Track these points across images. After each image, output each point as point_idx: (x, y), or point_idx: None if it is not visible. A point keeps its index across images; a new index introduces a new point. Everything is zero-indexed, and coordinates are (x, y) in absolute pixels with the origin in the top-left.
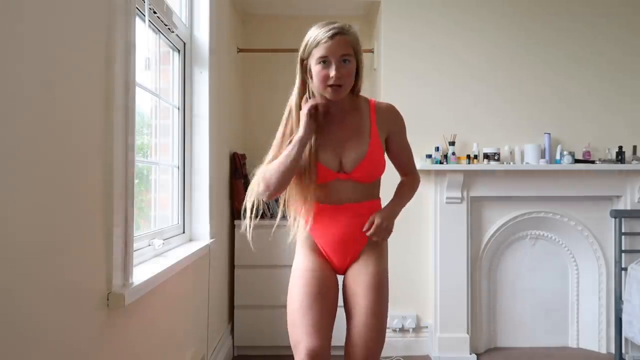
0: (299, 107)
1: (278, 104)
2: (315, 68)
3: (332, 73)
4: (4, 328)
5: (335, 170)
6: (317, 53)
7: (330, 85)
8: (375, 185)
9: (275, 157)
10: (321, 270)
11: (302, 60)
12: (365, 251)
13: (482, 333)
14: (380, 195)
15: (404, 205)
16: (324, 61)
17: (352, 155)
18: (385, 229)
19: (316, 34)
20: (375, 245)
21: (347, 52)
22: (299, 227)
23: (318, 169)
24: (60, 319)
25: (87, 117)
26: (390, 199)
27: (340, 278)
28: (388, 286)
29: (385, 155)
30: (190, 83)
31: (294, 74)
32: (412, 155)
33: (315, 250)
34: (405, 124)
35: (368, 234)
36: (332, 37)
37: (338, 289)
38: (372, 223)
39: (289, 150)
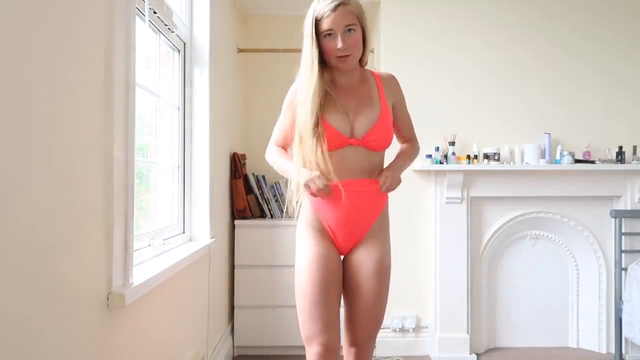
0: (320, 60)
1: (278, 104)
2: (322, 42)
3: (339, 45)
4: (3, 328)
5: (348, 135)
6: (322, 27)
7: (339, 57)
8: (382, 162)
9: (277, 141)
10: (328, 255)
11: (316, 34)
12: (370, 235)
13: (482, 333)
14: None
15: (407, 163)
16: (330, 34)
17: (364, 121)
18: (395, 179)
19: (319, 8)
20: (380, 229)
21: (351, 21)
22: (301, 204)
23: (331, 134)
24: (60, 319)
25: (87, 117)
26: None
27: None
28: (390, 271)
29: None
30: (190, 83)
31: (293, 74)
32: (412, 122)
33: (321, 231)
34: None
35: (383, 188)
36: (334, 9)
37: (342, 271)
38: (383, 180)
39: (287, 170)
